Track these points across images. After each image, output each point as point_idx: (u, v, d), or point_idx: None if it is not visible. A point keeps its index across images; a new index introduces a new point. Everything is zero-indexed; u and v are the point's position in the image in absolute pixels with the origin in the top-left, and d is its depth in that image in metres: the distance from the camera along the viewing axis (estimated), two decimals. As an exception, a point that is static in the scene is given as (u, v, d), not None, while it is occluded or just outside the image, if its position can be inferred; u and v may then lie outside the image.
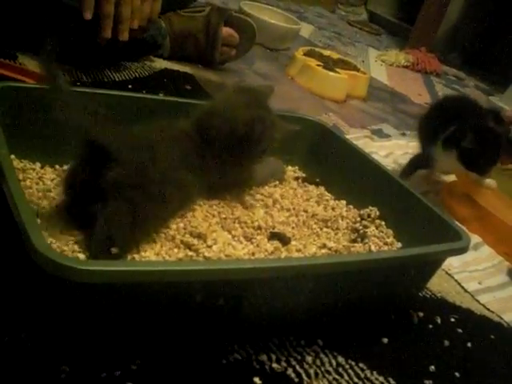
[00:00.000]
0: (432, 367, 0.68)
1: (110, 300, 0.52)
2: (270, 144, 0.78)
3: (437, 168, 1.11)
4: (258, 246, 0.72)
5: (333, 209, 0.88)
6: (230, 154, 0.74)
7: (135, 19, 1.11)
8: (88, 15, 1.06)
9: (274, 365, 0.61)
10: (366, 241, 0.80)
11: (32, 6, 1.11)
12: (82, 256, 0.60)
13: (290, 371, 0.61)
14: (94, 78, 1.17)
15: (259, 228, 0.76)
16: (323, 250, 0.76)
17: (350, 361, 0.65)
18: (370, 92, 1.76)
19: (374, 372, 0.65)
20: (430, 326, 0.76)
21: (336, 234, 0.82)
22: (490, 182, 1.07)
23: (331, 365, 0.64)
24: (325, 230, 0.82)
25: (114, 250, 0.59)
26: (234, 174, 0.77)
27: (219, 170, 0.74)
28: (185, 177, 0.68)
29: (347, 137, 1.09)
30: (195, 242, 0.66)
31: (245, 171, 0.81)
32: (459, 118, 1.04)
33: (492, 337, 0.79)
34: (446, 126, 1.05)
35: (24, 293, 0.56)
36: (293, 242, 0.75)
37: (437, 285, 0.85)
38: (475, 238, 1.02)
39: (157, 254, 0.64)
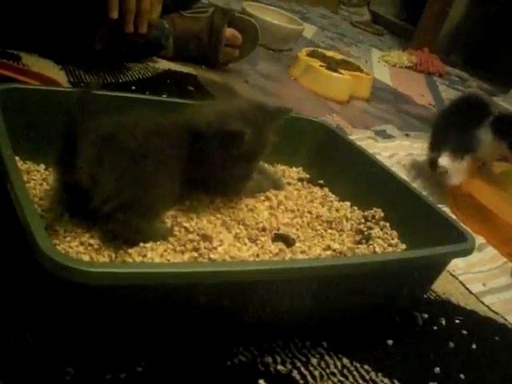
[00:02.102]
0: (437, 369, 0.68)
1: (115, 302, 0.52)
2: (252, 157, 0.76)
3: (480, 153, 1.15)
4: (262, 247, 0.72)
5: (337, 210, 0.88)
6: (204, 155, 0.73)
7: (144, 21, 1.12)
8: (115, 14, 1.08)
9: (279, 367, 0.61)
10: (371, 242, 0.80)
11: (36, 7, 1.11)
12: (86, 257, 0.60)
13: (295, 373, 0.61)
14: (98, 79, 1.17)
15: (263, 229, 0.76)
16: (328, 252, 0.76)
17: (354, 362, 0.65)
18: (373, 93, 1.76)
19: (379, 374, 0.65)
20: (435, 328, 0.76)
21: (340, 236, 0.82)
22: None
23: (336, 367, 0.64)
24: (329, 231, 0.82)
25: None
26: (208, 175, 0.75)
27: (197, 169, 0.73)
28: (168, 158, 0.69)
29: (350, 138, 1.09)
30: (200, 243, 0.66)
31: (225, 178, 0.77)
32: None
33: (496, 338, 0.79)
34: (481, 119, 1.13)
35: (29, 294, 0.56)
36: (297, 244, 0.75)
37: (441, 286, 0.85)
38: (479, 239, 1.02)
39: (161, 256, 0.64)
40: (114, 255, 0.61)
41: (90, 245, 0.62)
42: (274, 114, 0.79)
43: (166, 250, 0.64)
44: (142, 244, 0.63)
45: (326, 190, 0.93)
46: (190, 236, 0.67)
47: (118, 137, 0.65)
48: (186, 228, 0.68)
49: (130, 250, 0.62)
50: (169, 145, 0.69)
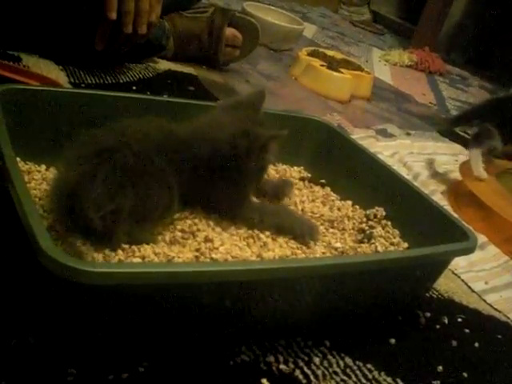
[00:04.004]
0: (440, 367, 0.68)
1: (117, 302, 0.51)
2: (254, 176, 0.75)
3: None
4: (263, 246, 0.71)
5: (339, 209, 0.87)
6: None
7: (143, 22, 1.12)
8: (113, 15, 1.08)
9: (282, 366, 0.61)
10: (373, 241, 0.80)
11: (36, 8, 1.11)
12: (88, 258, 0.60)
13: (297, 372, 0.61)
14: (98, 79, 1.17)
15: (265, 229, 0.75)
16: (330, 251, 0.76)
17: (357, 362, 0.65)
18: (374, 92, 1.76)
19: (382, 373, 0.64)
20: (438, 327, 0.76)
21: (342, 235, 0.81)
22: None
23: (339, 366, 0.64)
24: (331, 230, 0.82)
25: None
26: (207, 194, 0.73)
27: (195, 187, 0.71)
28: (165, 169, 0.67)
29: (352, 137, 1.08)
30: (201, 244, 0.66)
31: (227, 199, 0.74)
32: None
33: (499, 336, 0.78)
34: None
35: (31, 295, 0.56)
36: (299, 243, 0.75)
37: (443, 285, 0.85)
38: (481, 238, 1.02)
39: (162, 256, 0.64)
40: (114, 255, 0.61)
41: (92, 245, 0.62)
42: (253, 103, 0.77)
43: (165, 247, 0.64)
44: (142, 245, 0.63)
45: (328, 189, 0.93)
46: (192, 236, 0.67)
47: (114, 150, 0.64)
48: (185, 229, 0.68)
49: (129, 249, 0.62)
50: (170, 162, 0.68)
